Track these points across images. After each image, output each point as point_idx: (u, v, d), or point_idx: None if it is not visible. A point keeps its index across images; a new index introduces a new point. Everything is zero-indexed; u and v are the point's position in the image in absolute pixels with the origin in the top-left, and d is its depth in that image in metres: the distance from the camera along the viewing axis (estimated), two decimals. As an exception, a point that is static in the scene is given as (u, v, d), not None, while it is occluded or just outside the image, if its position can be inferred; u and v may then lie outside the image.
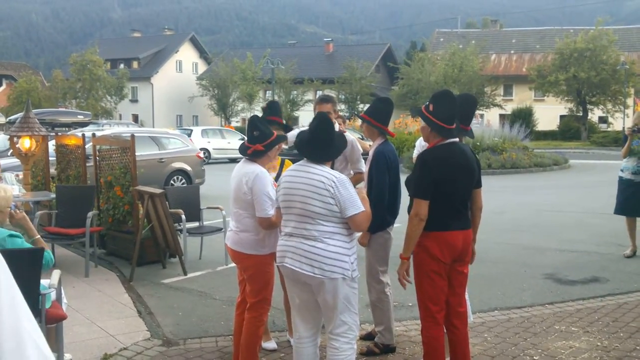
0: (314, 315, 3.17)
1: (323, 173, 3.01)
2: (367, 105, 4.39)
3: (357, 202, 2.99)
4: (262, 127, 3.52)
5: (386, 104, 3.99)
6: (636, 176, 6.60)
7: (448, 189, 3.18)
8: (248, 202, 3.42)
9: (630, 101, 38.99)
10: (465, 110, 3.60)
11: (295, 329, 3.26)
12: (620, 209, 6.82)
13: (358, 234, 3.17)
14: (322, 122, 3.13)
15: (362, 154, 4.30)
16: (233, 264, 6.25)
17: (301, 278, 3.04)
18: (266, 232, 3.46)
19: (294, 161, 3.96)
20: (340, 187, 2.97)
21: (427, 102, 3.30)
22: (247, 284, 3.59)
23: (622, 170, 6.79)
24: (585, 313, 4.80)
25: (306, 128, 3.32)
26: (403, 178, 3.68)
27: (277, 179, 3.92)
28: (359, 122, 4.54)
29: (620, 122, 37.57)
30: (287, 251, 3.07)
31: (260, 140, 3.47)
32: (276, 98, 40.37)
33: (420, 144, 5.03)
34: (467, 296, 3.60)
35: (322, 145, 3.07)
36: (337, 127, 4.10)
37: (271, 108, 4.08)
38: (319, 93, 44.77)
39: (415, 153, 5.01)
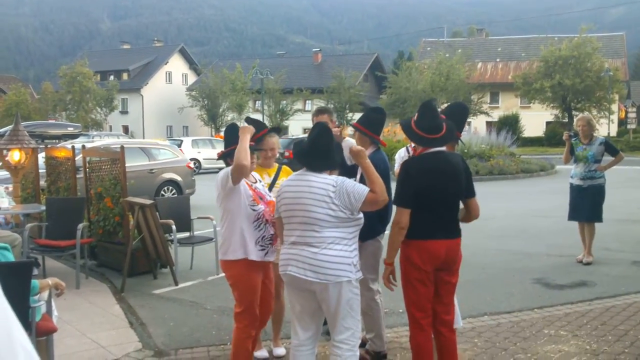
0: (314, 321, 3.20)
1: (323, 181, 3.05)
2: (356, 114, 4.45)
3: (361, 188, 3.03)
4: (227, 136, 3.64)
5: (378, 113, 4.02)
6: (584, 181, 6.75)
7: (430, 198, 3.20)
8: (220, 206, 3.49)
9: (614, 107, 39.55)
10: (458, 118, 3.67)
11: (295, 334, 3.28)
12: (572, 215, 6.92)
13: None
14: (322, 131, 3.16)
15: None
16: (224, 274, 6.30)
17: (305, 285, 3.06)
18: (232, 236, 3.43)
19: (291, 167, 4.02)
20: (341, 186, 3.02)
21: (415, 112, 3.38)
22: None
23: (571, 177, 6.94)
24: (574, 317, 4.85)
25: (300, 137, 3.39)
26: (394, 186, 3.72)
27: (271, 185, 3.95)
28: (346, 130, 4.53)
29: (605, 128, 38.03)
30: (290, 259, 3.09)
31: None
32: (265, 108, 40.50)
33: (400, 156, 5.08)
34: (456, 301, 3.64)
35: (321, 155, 3.10)
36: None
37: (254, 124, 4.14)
38: (308, 103, 44.99)
39: (397, 166, 5.05)
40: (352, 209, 3.01)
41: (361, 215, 3.13)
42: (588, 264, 6.68)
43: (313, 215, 3.00)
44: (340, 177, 3.10)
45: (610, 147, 6.81)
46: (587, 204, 6.73)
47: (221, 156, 3.65)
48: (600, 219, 6.79)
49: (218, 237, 6.54)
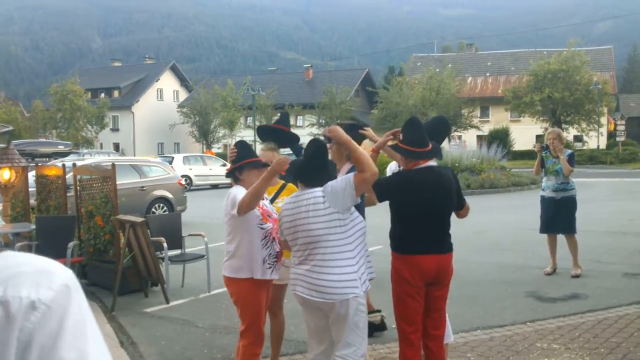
0: (327, 337, 3.21)
1: (313, 194, 3.09)
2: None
3: (345, 177, 3.07)
4: (239, 151, 3.60)
5: (354, 128, 4.06)
6: (557, 193, 6.81)
7: (423, 212, 3.21)
8: (227, 223, 3.47)
9: (604, 120, 39.99)
10: (440, 131, 3.71)
11: (310, 348, 3.32)
12: (545, 228, 6.95)
13: (362, 249, 3.14)
14: (318, 148, 3.20)
15: None
16: (216, 291, 6.26)
17: (313, 304, 3.09)
18: (238, 254, 3.43)
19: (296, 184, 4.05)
20: (327, 189, 3.05)
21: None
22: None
23: (543, 190, 6.99)
24: (566, 330, 4.85)
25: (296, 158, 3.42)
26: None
27: (271, 200, 3.94)
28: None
29: (594, 141, 38.43)
30: (297, 279, 3.13)
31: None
32: (257, 124, 40.54)
33: (391, 169, 5.12)
34: (446, 315, 3.63)
35: (317, 170, 3.15)
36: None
37: (281, 118, 4.25)
38: (300, 118, 45.15)
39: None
40: (351, 201, 3.03)
41: (361, 219, 3.17)
42: (576, 276, 6.69)
43: (314, 232, 3.03)
44: (327, 183, 3.14)
45: (571, 159, 6.83)
46: (562, 217, 6.78)
47: (229, 172, 3.59)
48: (575, 230, 6.85)
49: (210, 253, 6.56)
